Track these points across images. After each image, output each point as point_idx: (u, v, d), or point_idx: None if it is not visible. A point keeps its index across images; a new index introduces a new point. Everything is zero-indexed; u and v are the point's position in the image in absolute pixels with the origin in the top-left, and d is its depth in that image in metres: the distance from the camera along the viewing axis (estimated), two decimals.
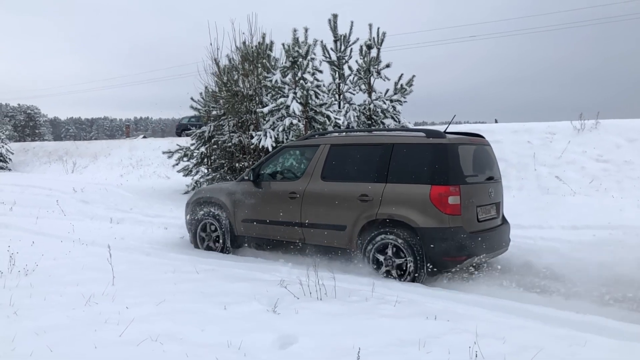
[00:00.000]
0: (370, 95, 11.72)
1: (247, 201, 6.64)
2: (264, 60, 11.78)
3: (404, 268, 5.35)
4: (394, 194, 5.41)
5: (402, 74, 11.70)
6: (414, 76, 11.68)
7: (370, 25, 11.65)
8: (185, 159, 12.99)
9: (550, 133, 12.12)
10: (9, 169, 24.86)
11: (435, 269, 5.26)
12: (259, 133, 10.79)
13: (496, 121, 21.58)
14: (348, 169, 5.93)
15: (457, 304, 4.40)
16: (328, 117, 10.44)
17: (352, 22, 11.82)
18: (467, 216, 5.31)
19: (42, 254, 6.05)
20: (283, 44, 10.84)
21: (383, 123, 11.40)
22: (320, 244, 6.02)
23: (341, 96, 11.92)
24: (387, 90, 11.80)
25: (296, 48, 10.55)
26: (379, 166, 5.61)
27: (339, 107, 11.68)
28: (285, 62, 10.94)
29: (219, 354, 3.29)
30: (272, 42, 12.29)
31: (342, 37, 11.74)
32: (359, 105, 11.70)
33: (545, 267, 5.77)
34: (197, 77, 14.71)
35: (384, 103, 11.47)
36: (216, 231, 6.96)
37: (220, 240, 6.91)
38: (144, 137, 38.90)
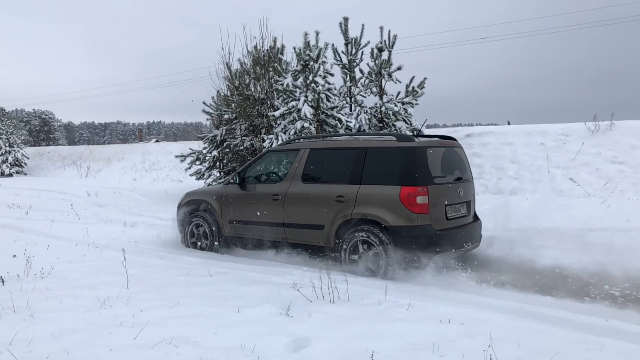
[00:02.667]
0: (381, 98, 11.70)
1: (234, 203, 6.97)
2: (275, 64, 11.83)
3: (378, 264, 5.61)
4: (367, 195, 5.73)
5: (413, 77, 11.68)
6: (425, 78, 11.64)
7: (381, 28, 11.65)
8: (197, 162, 13.07)
9: (563, 135, 12.01)
10: (25, 174, 25.21)
11: (406, 265, 5.48)
12: (270, 136, 10.83)
13: (509, 123, 21.41)
14: (326, 171, 6.28)
15: (471, 308, 4.36)
16: (339, 120, 10.44)
17: (362, 25, 11.83)
18: (435, 215, 5.60)
19: (58, 257, 6.13)
20: (294, 48, 10.87)
21: (394, 125, 11.37)
22: (302, 242, 6.35)
23: (352, 99, 11.92)
24: (399, 93, 11.77)
25: (307, 51, 10.57)
26: (354, 169, 5.94)
27: (350, 110, 11.67)
28: (297, 66, 10.97)
29: (233, 357, 3.30)
30: (283, 46, 12.36)
31: (353, 40, 11.75)
32: (370, 108, 11.69)
33: (560, 270, 5.72)
34: (209, 82, 14.83)
35: (396, 105, 11.45)
36: (205, 232, 7.30)
37: (209, 240, 7.24)
38: (157, 141, 39.24)
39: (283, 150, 6.96)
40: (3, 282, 4.98)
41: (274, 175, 6.93)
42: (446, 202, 5.76)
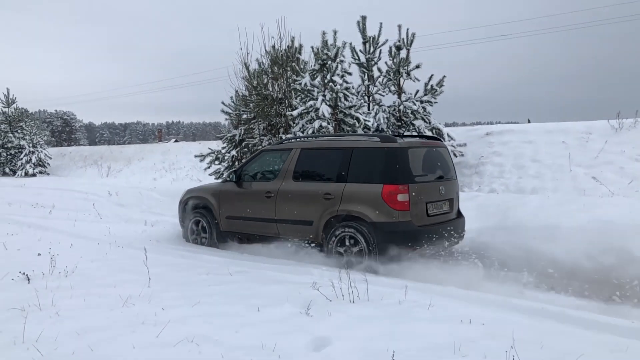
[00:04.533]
0: (399, 97, 11.65)
1: (230, 200, 7.36)
2: (293, 64, 11.86)
3: (361, 258, 5.89)
4: (352, 193, 6.05)
5: (432, 75, 11.59)
6: (444, 77, 11.55)
7: (399, 27, 11.59)
8: (216, 162, 13.16)
9: (586, 133, 11.79)
10: (48, 174, 25.66)
11: (388, 259, 5.71)
12: (288, 136, 10.86)
13: (529, 121, 21.15)
14: (315, 170, 6.62)
15: (492, 308, 4.32)
16: (357, 119, 10.42)
17: (380, 24, 11.78)
18: (415, 212, 5.89)
19: (81, 256, 6.24)
20: (312, 47, 10.89)
21: (413, 124, 11.31)
22: (292, 237, 6.62)
23: (370, 98, 11.90)
24: (417, 91, 11.71)
25: (325, 51, 10.57)
26: (340, 168, 6.25)
27: (369, 109, 11.65)
28: (314, 65, 10.97)
29: (254, 356, 3.32)
30: (301, 45, 12.37)
31: (371, 39, 11.71)
32: (388, 107, 11.65)
33: (582, 271, 5.62)
34: (227, 82, 14.92)
35: (414, 104, 11.38)
36: (204, 227, 7.68)
37: (208, 235, 7.61)
38: (176, 141, 39.66)
39: (276, 150, 7.27)
40: (29, 280, 5.09)
41: (267, 173, 7.20)
42: (427, 200, 6.04)
